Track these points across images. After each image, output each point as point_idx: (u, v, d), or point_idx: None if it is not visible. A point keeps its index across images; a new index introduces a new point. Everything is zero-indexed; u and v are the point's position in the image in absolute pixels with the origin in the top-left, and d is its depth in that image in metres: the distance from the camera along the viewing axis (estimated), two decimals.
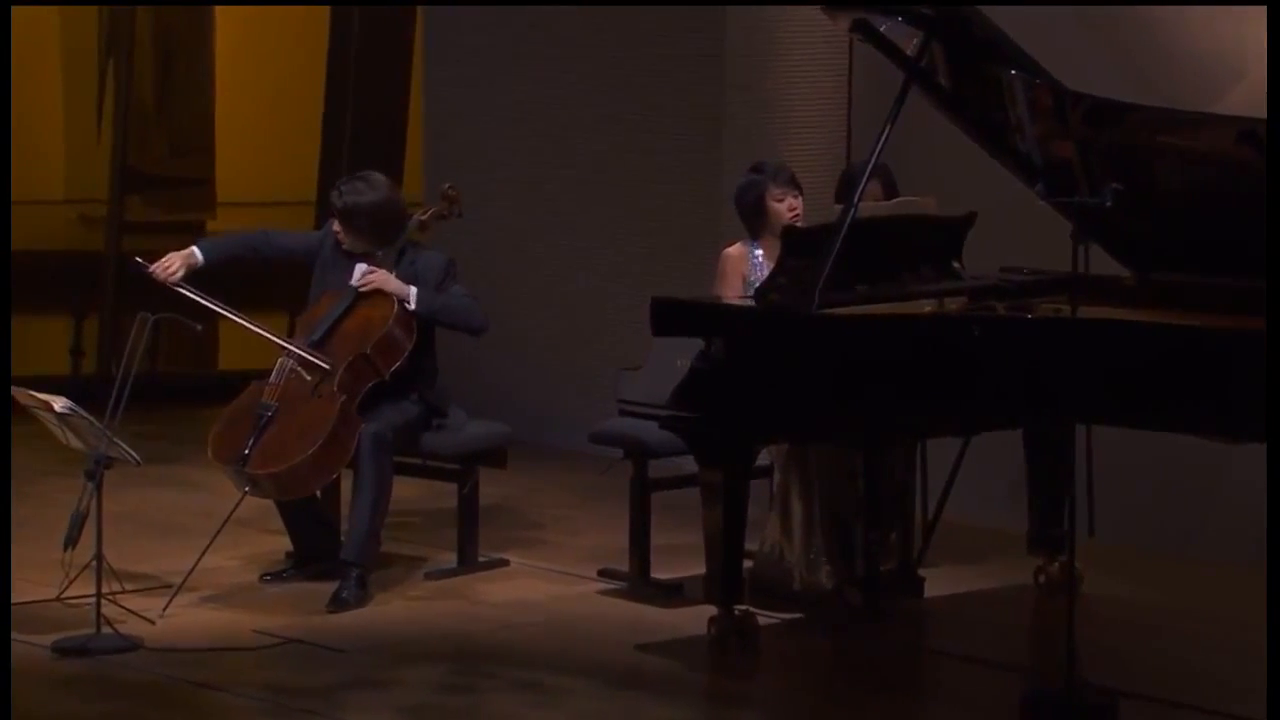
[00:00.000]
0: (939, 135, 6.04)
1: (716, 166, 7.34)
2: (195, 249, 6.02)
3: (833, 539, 5.86)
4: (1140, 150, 5.38)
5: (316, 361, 5.85)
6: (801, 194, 5.93)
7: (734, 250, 5.96)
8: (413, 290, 5.97)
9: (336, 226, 6.10)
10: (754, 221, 5.92)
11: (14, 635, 5.47)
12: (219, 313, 5.96)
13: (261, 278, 6.43)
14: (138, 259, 5.96)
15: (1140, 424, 5.16)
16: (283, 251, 6.14)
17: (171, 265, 5.97)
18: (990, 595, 6.04)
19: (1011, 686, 5.18)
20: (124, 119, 8.82)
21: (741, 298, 5.81)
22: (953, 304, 5.69)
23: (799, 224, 5.82)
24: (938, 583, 6.03)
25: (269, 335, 5.95)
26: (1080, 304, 5.19)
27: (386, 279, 5.99)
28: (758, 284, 5.78)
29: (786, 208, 5.87)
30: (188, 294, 5.95)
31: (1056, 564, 6.01)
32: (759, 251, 5.91)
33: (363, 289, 5.98)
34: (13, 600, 5.70)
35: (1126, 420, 5.19)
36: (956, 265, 5.82)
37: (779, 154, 7.03)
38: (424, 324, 6.03)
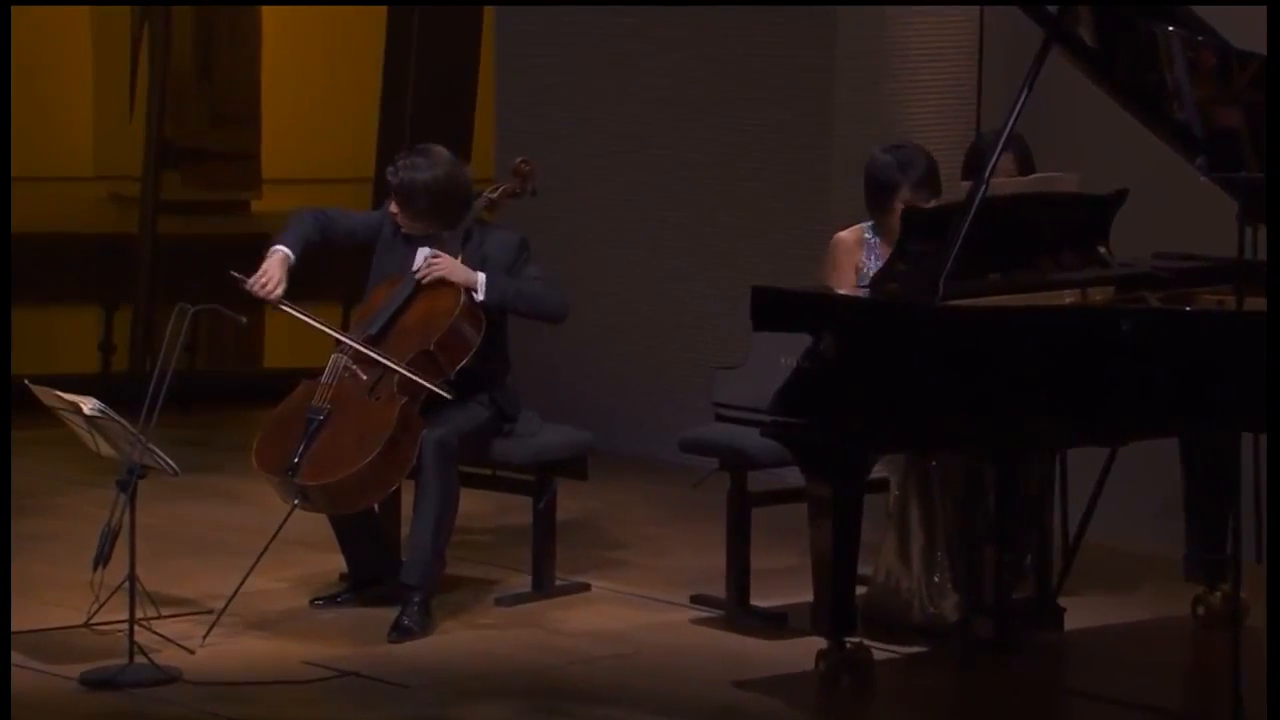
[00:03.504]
0: (1083, 102, 5.97)
1: (826, 139, 7.29)
2: (284, 249, 5.88)
3: (958, 563, 5.80)
4: None
5: (421, 382, 5.75)
6: (939, 195, 5.82)
7: (848, 235, 5.90)
8: (481, 277, 5.96)
9: (394, 207, 6.10)
10: (876, 212, 5.85)
11: (37, 665, 5.50)
12: (332, 335, 5.86)
13: (312, 262, 6.41)
14: (234, 273, 5.82)
15: None
16: (346, 234, 6.10)
17: (271, 279, 5.82)
18: (1141, 628, 5.98)
19: None
20: (160, 86, 8.87)
21: (854, 288, 5.76)
22: (1098, 294, 5.64)
23: (919, 205, 5.76)
24: (1079, 614, 5.96)
25: (409, 373, 5.76)
26: (1247, 294, 5.11)
27: (452, 266, 5.98)
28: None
29: None
30: (293, 313, 5.85)
31: (1218, 593, 5.93)
32: (878, 240, 5.84)
33: (423, 279, 5.97)
34: (36, 626, 5.75)
35: None
36: (1103, 250, 5.76)
37: (898, 126, 6.96)
38: (496, 314, 6.02)
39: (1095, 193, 5.77)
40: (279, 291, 5.87)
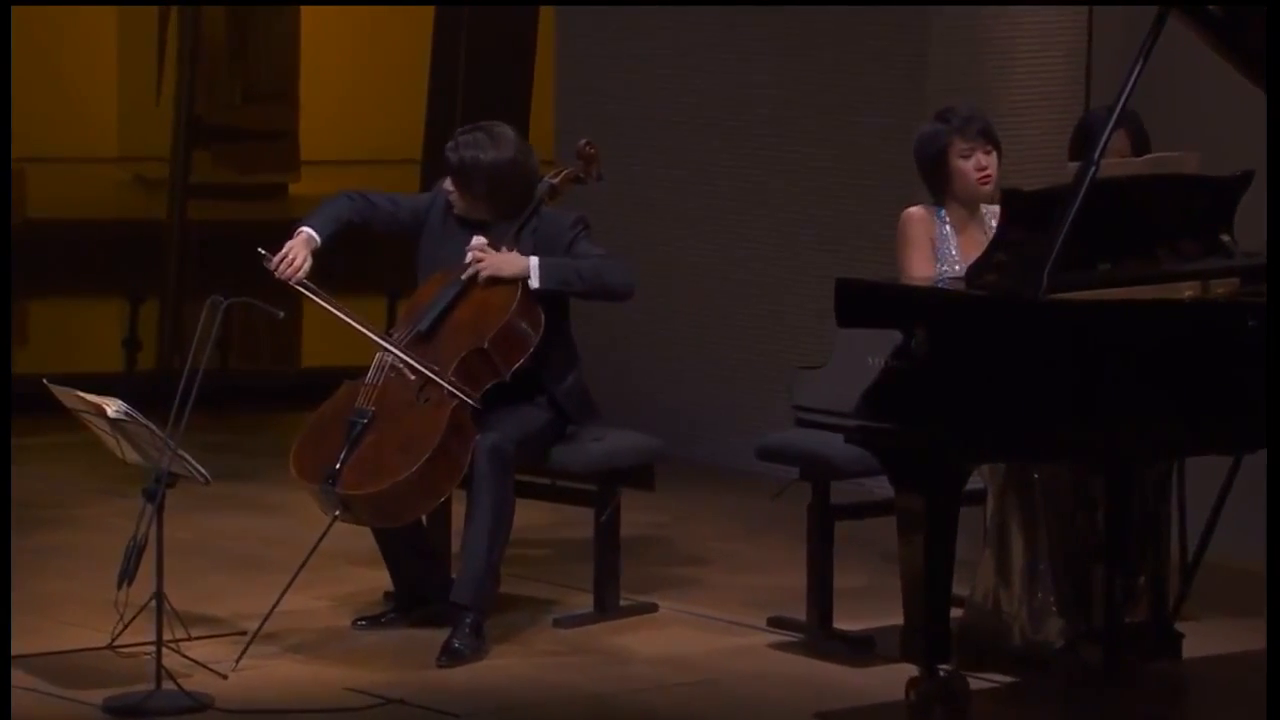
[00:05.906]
0: (1205, 74, 5.93)
1: (918, 118, 7.25)
2: (310, 230, 5.92)
3: (1064, 584, 5.77)
4: None
5: (441, 382, 5.79)
6: (998, 150, 5.85)
7: (916, 211, 5.93)
8: (534, 262, 5.94)
9: (449, 186, 6.09)
10: (934, 182, 5.90)
11: (57, 691, 5.53)
12: (351, 324, 5.90)
13: (358, 250, 6.42)
14: (260, 250, 5.88)
15: None
16: (388, 220, 6.11)
17: (296, 258, 5.87)
18: (1265, 657, 5.93)
19: None
20: (190, 60, 8.91)
21: (953, 278, 5.74)
22: (1221, 287, 5.60)
23: (1021, 188, 5.73)
24: (1198, 640, 5.93)
25: (418, 364, 5.79)
26: None
27: (498, 262, 5.97)
28: (948, 257, 5.71)
29: (974, 167, 5.83)
30: (312, 297, 5.88)
31: None
32: (946, 220, 5.83)
33: (467, 276, 5.95)
34: (56, 649, 5.78)
35: None
36: (1226, 238, 5.72)
37: (998, 100, 6.93)
38: (555, 302, 6.00)
39: (1218, 174, 5.73)
40: (304, 271, 5.87)
